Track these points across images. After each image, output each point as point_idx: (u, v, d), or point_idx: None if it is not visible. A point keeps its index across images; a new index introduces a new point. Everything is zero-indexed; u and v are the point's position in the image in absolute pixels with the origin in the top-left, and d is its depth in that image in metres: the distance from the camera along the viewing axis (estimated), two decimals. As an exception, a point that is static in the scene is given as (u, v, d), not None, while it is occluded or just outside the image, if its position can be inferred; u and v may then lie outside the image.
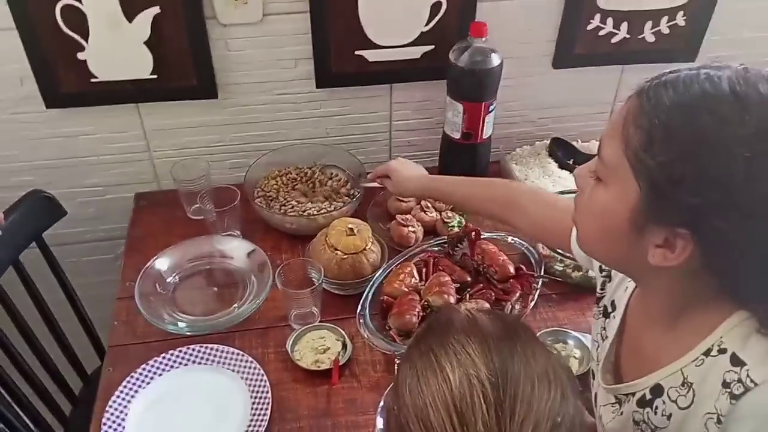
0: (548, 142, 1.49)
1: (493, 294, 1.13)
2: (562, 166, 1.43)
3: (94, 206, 1.49)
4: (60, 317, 1.36)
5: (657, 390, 0.69)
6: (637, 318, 0.76)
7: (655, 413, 0.69)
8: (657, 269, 0.63)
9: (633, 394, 0.73)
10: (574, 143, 1.49)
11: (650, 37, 1.43)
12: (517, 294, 1.13)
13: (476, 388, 0.53)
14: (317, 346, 1.09)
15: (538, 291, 1.13)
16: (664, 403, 0.68)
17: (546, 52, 1.44)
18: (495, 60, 1.27)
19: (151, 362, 1.07)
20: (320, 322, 1.15)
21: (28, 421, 1.22)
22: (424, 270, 1.20)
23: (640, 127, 0.60)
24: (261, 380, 1.05)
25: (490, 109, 1.33)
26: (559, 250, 1.20)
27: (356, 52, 1.35)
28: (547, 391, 0.54)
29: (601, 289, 0.85)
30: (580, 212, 0.71)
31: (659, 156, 0.58)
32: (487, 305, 1.11)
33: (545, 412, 0.53)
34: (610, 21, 1.39)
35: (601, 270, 0.86)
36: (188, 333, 1.13)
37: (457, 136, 1.36)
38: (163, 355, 1.08)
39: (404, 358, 0.63)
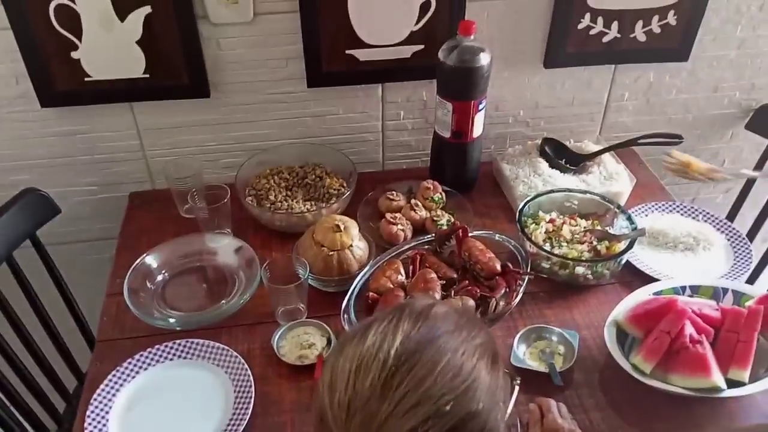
0: (539, 141, 1.48)
1: (478, 290, 1.12)
2: (553, 166, 1.43)
3: (89, 205, 1.50)
4: (55, 316, 1.37)
5: None
6: None
7: None
8: None
9: None
10: (567, 143, 1.49)
11: (642, 36, 1.43)
12: (503, 290, 1.13)
13: (382, 352, 0.57)
14: (302, 342, 1.09)
15: (523, 288, 1.13)
16: None
17: (537, 51, 1.44)
18: (483, 58, 1.28)
19: (137, 356, 1.08)
20: (306, 318, 1.15)
21: (21, 419, 1.23)
22: (411, 267, 1.20)
23: None
24: (245, 375, 1.05)
25: (479, 108, 1.33)
26: (546, 247, 1.20)
27: (347, 52, 1.37)
28: (449, 380, 0.56)
29: None
30: None
31: None
32: (472, 302, 1.10)
33: (432, 396, 0.55)
34: (600, 20, 1.39)
35: None
36: (177, 328, 1.14)
37: (447, 135, 1.37)
38: (149, 349, 1.09)
39: None
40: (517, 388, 0.68)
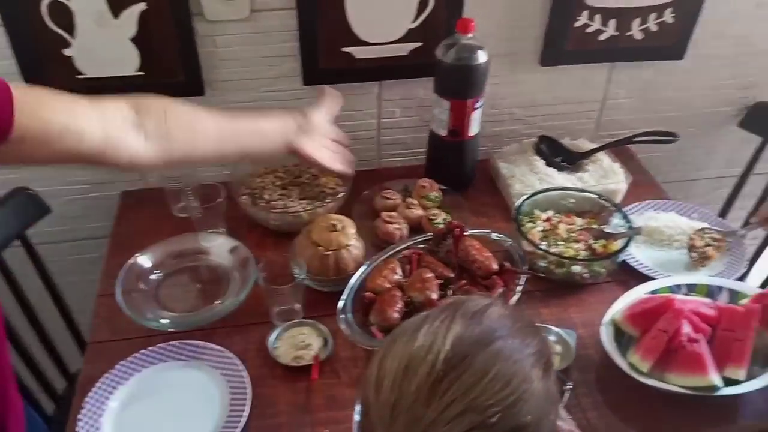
0: (536, 140, 1.48)
1: (475, 290, 1.12)
2: (549, 164, 1.43)
3: (79, 204, 1.48)
4: (45, 316, 1.36)
5: None
6: None
7: None
8: None
9: None
10: (562, 141, 1.49)
11: (638, 35, 1.43)
12: (500, 290, 1.12)
13: (430, 355, 0.55)
14: (298, 343, 1.09)
15: (520, 287, 1.12)
16: None
17: (534, 49, 1.44)
18: (481, 57, 1.27)
19: (130, 358, 1.07)
20: (302, 318, 1.14)
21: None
22: (407, 266, 1.19)
23: None
24: (240, 376, 1.04)
25: (476, 106, 1.32)
26: (542, 245, 1.20)
27: (343, 49, 1.36)
28: (498, 390, 0.54)
29: None
30: None
31: None
32: (470, 301, 1.10)
33: (479, 406, 0.53)
34: (598, 18, 1.39)
35: None
36: (170, 329, 1.12)
37: (443, 133, 1.36)
38: (143, 351, 1.08)
39: None
40: (567, 394, 0.66)
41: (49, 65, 1.27)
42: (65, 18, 1.23)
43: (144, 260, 1.22)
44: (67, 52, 1.27)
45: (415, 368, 0.55)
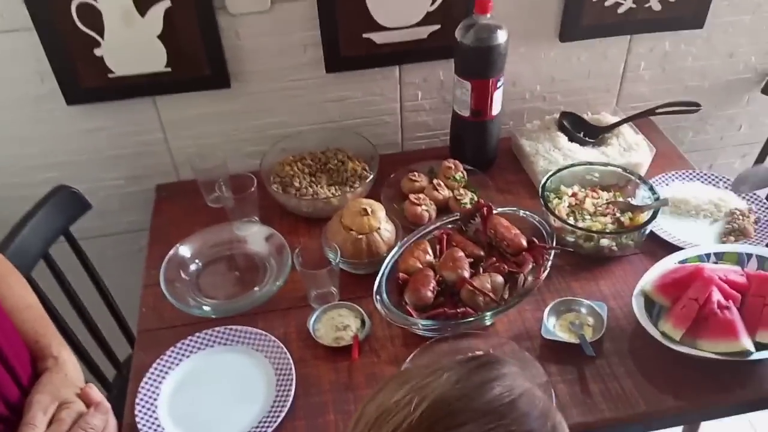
0: (557, 116, 1.49)
1: (506, 267, 1.15)
2: (572, 140, 1.44)
3: (117, 199, 1.53)
4: (91, 308, 1.41)
5: None
6: None
7: None
8: None
9: None
10: (584, 116, 1.50)
11: (656, 6, 1.43)
12: (530, 266, 1.15)
13: (408, 409, 0.55)
14: (337, 324, 1.13)
15: (550, 262, 1.15)
16: None
17: (552, 25, 1.45)
18: (501, 36, 1.28)
19: (179, 345, 1.12)
20: (339, 301, 1.18)
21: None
22: (438, 247, 1.22)
23: None
24: (284, 358, 1.09)
25: (497, 86, 1.34)
26: (570, 220, 1.22)
27: (364, 35, 1.37)
28: None
29: None
30: None
31: None
32: (501, 278, 1.13)
33: None
34: (615, -9, 1.39)
35: None
36: (213, 316, 1.17)
37: (466, 114, 1.38)
38: (190, 337, 1.13)
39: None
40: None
41: (80, 65, 1.31)
42: (94, 19, 1.26)
43: (184, 251, 1.26)
44: (97, 52, 1.30)
45: (388, 416, 0.56)
